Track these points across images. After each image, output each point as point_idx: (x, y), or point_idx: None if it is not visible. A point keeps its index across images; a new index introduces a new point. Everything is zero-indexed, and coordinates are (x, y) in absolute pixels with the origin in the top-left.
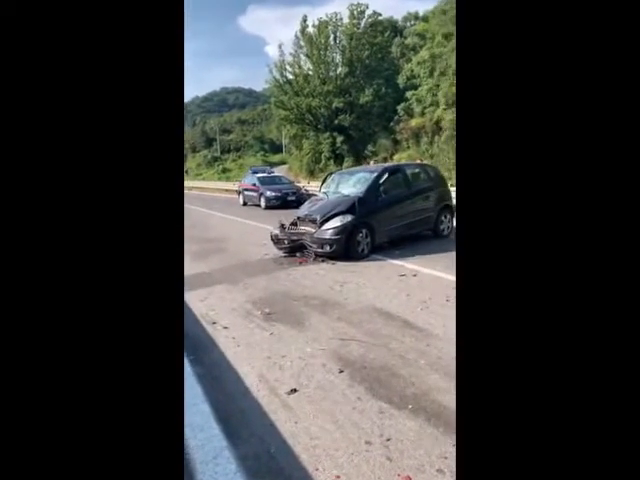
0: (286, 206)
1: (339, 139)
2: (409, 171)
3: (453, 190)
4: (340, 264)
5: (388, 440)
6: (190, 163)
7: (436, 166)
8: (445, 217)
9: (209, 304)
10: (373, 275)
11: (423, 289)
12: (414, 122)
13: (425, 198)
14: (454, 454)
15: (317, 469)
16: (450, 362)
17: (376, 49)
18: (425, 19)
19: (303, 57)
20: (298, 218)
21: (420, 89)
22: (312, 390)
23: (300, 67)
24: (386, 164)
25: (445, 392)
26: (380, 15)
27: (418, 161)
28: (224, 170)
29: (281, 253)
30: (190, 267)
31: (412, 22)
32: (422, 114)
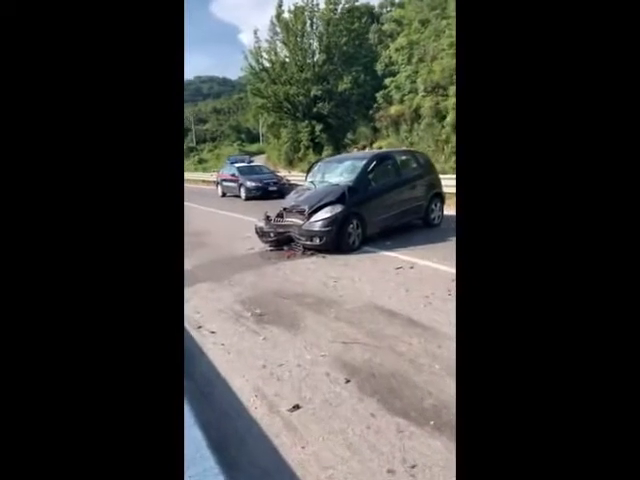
0: (267, 197)
1: (318, 127)
2: (398, 158)
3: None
4: (330, 257)
5: (413, 467)
6: None
7: (425, 153)
8: (435, 205)
9: (193, 305)
10: (367, 269)
11: (422, 283)
12: (393, 110)
13: (415, 186)
14: None
15: None
16: None
17: (354, 35)
18: (401, 5)
19: (279, 44)
20: (284, 209)
21: (398, 76)
22: (317, 406)
23: (276, 54)
24: (375, 150)
25: None
26: (357, 1)
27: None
28: (200, 161)
29: (267, 247)
30: None
31: (388, 8)
32: (401, 101)
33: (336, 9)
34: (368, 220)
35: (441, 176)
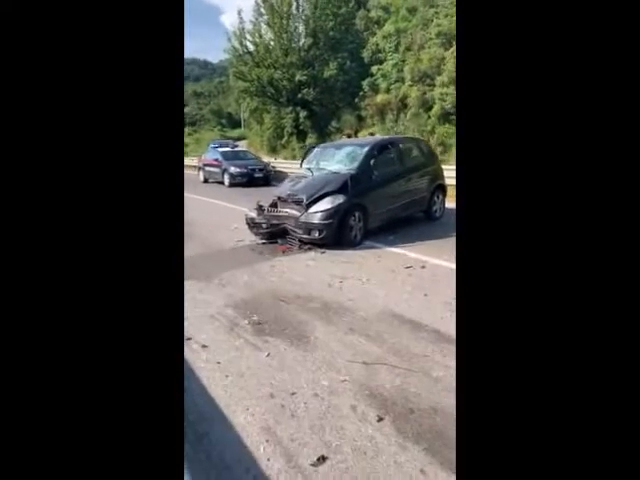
0: (253, 184)
1: (302, 114)
2: (402, 146)
3: None
4: (330, 253)
5: None
6: None
7: (428, 141)
8: (438, 198)
9: None
10: (374, 267)
11: (439, 285)
12: (379, 98)
13: (419, 176)
14: None
15: None
16: None
17: (340, 20)
18: None
19: (264, 26)
20: (279, 199)
21: (385, 64)
22: (349, 457)
23: (261, 36)
24: (377, 137)
25: None
26: None
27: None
28: None
29: (258, 239)
30: None
31: None
32: (387, 90)
33: None
34: (371, 212)
35: None
